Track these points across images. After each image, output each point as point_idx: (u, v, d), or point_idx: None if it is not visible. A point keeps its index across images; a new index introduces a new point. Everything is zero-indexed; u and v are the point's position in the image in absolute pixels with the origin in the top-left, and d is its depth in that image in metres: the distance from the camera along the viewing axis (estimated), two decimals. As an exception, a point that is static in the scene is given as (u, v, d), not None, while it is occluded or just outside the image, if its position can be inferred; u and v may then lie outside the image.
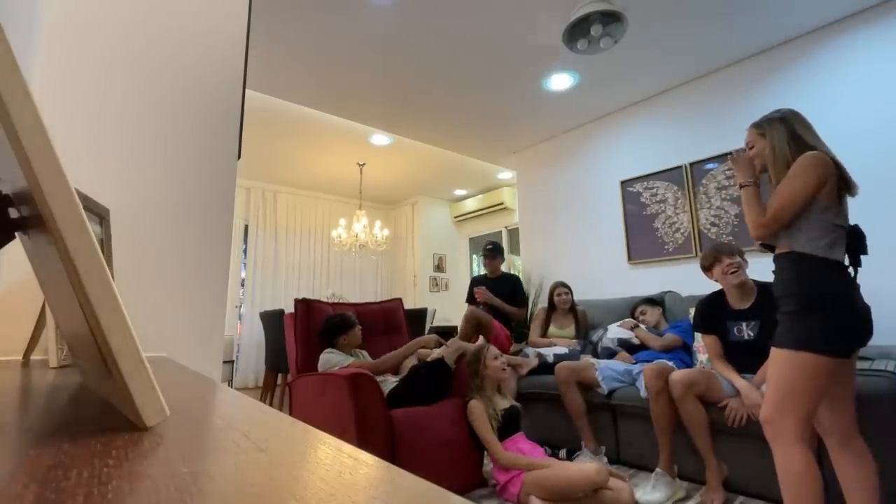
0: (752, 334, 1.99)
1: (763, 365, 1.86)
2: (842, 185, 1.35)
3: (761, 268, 2.68)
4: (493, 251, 3.42)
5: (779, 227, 1.36)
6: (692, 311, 2.57)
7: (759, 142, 1.52)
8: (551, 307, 3.11)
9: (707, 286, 2.31)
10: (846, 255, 1.32)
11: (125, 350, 0.27)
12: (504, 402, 2.12)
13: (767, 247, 1.47)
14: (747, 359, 1.97)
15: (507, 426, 2.02)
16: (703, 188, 3.09)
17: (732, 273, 2.02)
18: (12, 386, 0.53)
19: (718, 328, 2.08)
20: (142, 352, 0.28)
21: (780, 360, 1.32)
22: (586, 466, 1.73)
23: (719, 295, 2.13)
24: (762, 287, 2.04)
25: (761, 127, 1.53)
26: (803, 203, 1.32)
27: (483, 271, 3.59)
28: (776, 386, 1.32)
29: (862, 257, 1.35)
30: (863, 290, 1.33)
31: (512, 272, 3.68)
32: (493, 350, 2.18)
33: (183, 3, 1.21)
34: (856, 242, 1.33)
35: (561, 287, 3.10)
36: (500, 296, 3.24)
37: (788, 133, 1.44)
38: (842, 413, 1.36)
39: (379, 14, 2.52)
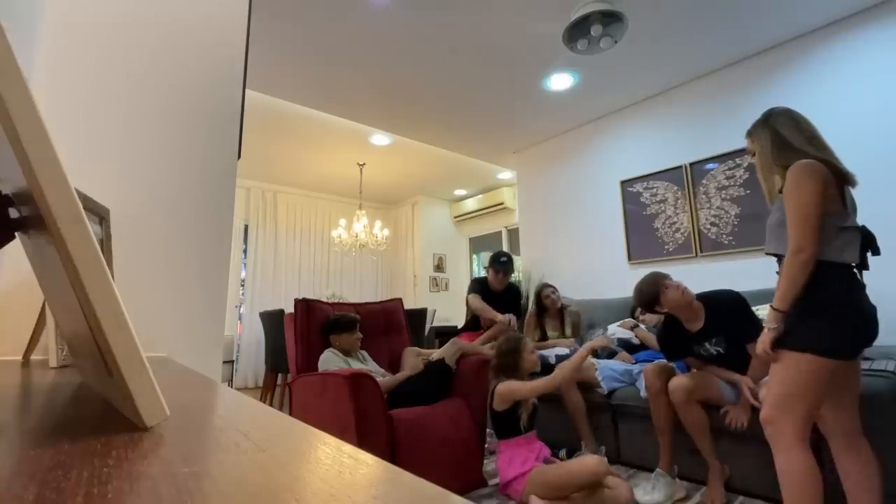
0: (720, 349, 1.94)
1: (750, 366, 1.86)
2: (840, 181, 1.34)
3: (762, 269, 2.68)
4: (507, 264, 3.01)
5: (813, 236, 1.27)
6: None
7: (755, 148, 1.53)
8: (542, 309, 3.04)
9: (706, 286, 2.31)
10: (858, 256, 1.30)
11: (125, 350, 0.27)
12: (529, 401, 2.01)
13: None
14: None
15: (529, 423, 1.96)
16: (703, 188, 3.09)
17: (684, 290, 1.93)
18: (12, 386, 0.53)
19: (688, 352, 2.02)
20: (142, 352, 0.28)
21: (782, 361, 1.32)
22: (586, 459, 1.73)
23: (672, 321, 2.03)
24: (706, 302, 1.96)
25: (751, 134, 1.54)
26: (817, 206, 1.28)
27: (484, 274, 3.30)
28: (778, 386, 1.32)
29: (869, 258, 1.34)
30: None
31: (514, 277, 3.51)
32: (529, 343, 2.08)
33: (183, 4, 1.21)
34: (865, 243, 1.33)
35: (547, 288, 3.03)
36: (502, 306, 3.02)
37: (771, 138, 1.45)
38: (847, 413, 1.36)
39: (379, 14, 2.52)
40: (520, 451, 1.88)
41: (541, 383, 1.89)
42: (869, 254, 1.34)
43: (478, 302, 2.99)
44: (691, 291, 1.96)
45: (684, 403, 1.93)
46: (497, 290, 3.11)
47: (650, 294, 1.97)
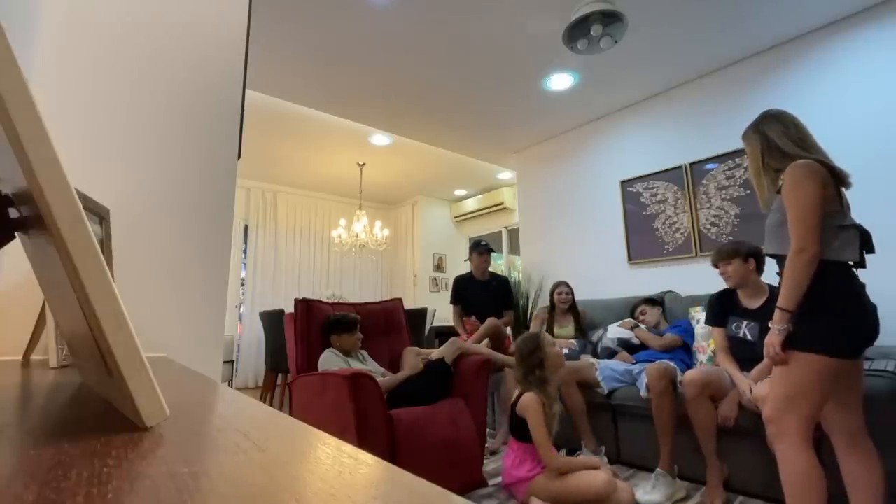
0: (748, 335, 2.00)
1: (761, 363, 1.87)
2: (837, 181, 1.35)
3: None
4: (488, 247, 3.33)
5: (815, 235, 1.28)
6: (692, 311, 2.57)
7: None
8: (552, 306, 3.11)
9: (707, 286, 2.31)
10: (858, 254, 1.31)
11: (125, 350, 0.27)
12: (557, 406, 1.94)
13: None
14: (740, 356, 2.00)
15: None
16: (703, 188, 3.09)
17: (745, 272, 2.04)
18: (12, 386, 0.53)
19: (724, 322, 2.11)
20: (142, 352, 0.28)
21: (786, 361, 1.32)
22: (595, 478, 1.70)
23: (732, 290, 2.15)
24: (773, 291, 2.03)
25: (744, 138, 1.57)
26: (817, 206, 1.29)
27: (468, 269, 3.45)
28: (781, 386, 1.32)
29: (867, 256, 1.35)
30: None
31: (510, 273, 3.64)
32: (548, 336, 2.02)
33: (183, 4, 1.21)
34: (861, 242, 1.33)
35: (562, 286, 3.10)
36: (491, 298, 3.23)
37: (762, 143, 1.47)
38: (850, 412, 1.36)
39: (379, 14, 2.52)
40: (529, 457, 1.87)
41: (546, 451, 1.78)
42: (865, 253, 1.35)
43: (455, 321, 3.35)
44: (730, 283, 2.08)
45: (696, 398, 1.93)
46: (481, 279, 3.31)
47: (712, 261, 2.17)
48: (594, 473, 1.73)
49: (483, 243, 3.34)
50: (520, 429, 1.90)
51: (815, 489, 1.25)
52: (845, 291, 1.29)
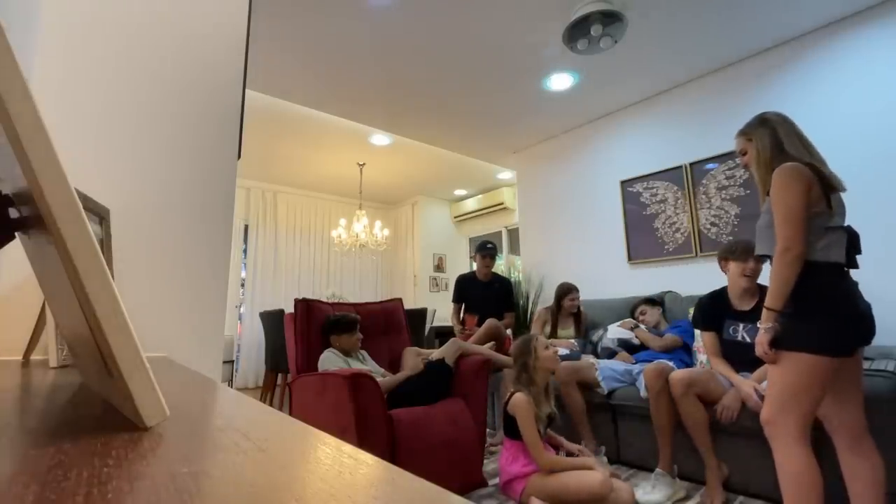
0: (746, 337, 1.99)
1: (764, 365, 1.87)
2: (826, 187, 1.35)
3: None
4: (493, 250, 3.34)
5: (800, 235, 1.30)
6: (692, 311, 2.57)
7: (749, 148, 1.54)
8: (558, 309, 3.08)
9: (707, 286, 2.31)
10: (844, 256, 1.32)
11: (125, 350, 0.27)
12: (547, 407, 1.97)
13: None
14: (738, 359, 1.99)
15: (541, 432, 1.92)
16: (703, 188, 3.09)
17: (747, 276, 2.01)
18: (12, 386, 0.53)
19: (716, 326, 2.10)
20: (142, 352, 0.28)
21: (780, 361, 1.32)
22: (591, 477, 1.70)
23: (722, 293, 2.13)
24: (765, 292, 2.03)
25: (747, 133, 1.55)
26: (803, 207, 1.31)
27: (473, 268, 3.50)
28: (777, 386, 1.32)
29: (858, 257, 1.36)
30: (863, 290, 1.33)
31: (510, 273, 3.66)
32: (543, 339, 2.05)
33: (183, 4, 1.21)
34: (849, 243, 1.34)
35: (575, 293, 3.05)
36: (492, 299, 3.25)
37: (771, 139, 1.47)
38: (851, 411, 1.37)
39: (379, 14, 2.51)
40: (522, 454, 1.88)
41: (536, 450, 1.81)
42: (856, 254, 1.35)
43: (453, 320, 3.41)
44: (752, 283, 2.01)
45: (682, 397, 1.95)
46: (484, 280, 3.33)
47: (726, 253, 2.12)
48: (590, 473, 1.73)
49: (489, 245, 3.33)
50: (512, 427, 1.92)
51: (812, 488, 1.25)
52: (835, 291, 1.30)
